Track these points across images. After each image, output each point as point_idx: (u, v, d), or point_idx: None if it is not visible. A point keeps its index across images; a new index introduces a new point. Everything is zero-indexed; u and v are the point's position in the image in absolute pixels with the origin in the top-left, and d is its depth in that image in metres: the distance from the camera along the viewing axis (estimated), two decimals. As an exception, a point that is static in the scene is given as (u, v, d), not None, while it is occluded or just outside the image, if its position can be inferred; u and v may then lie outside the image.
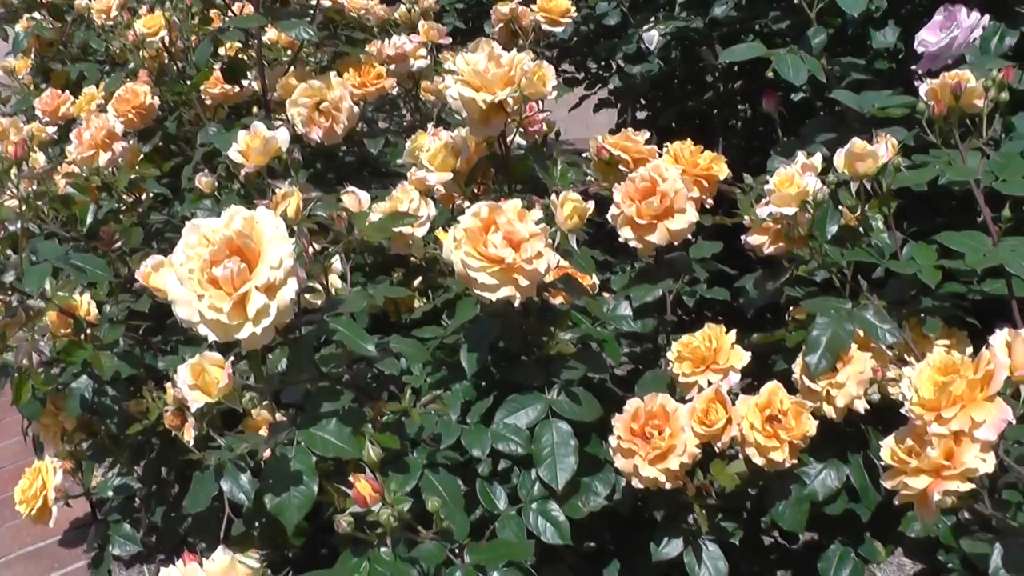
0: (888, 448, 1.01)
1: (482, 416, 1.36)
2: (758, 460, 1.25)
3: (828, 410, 1.30)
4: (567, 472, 1.30)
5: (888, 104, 1.64)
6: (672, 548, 1.33)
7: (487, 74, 1.32)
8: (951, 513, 1.29)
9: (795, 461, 1.26)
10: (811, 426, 1.26)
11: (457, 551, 1.20)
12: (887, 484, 1.00)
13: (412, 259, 1.72)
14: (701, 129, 2.60)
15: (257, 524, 1.56)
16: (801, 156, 1.41)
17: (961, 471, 0.94)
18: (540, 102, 1.68)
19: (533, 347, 1.37)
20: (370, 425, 1.28)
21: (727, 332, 1.34)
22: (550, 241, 1.24)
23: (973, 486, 0.95)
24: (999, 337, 1.00)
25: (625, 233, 1.38)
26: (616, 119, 2.87)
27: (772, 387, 1.27)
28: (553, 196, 1.29)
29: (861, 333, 1.33)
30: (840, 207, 1.44)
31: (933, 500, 0.95)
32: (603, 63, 2.84)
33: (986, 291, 1.54)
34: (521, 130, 1.46)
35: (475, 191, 1.48)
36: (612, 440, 1.27)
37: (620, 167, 1.46)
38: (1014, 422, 0.95)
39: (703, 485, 1.28)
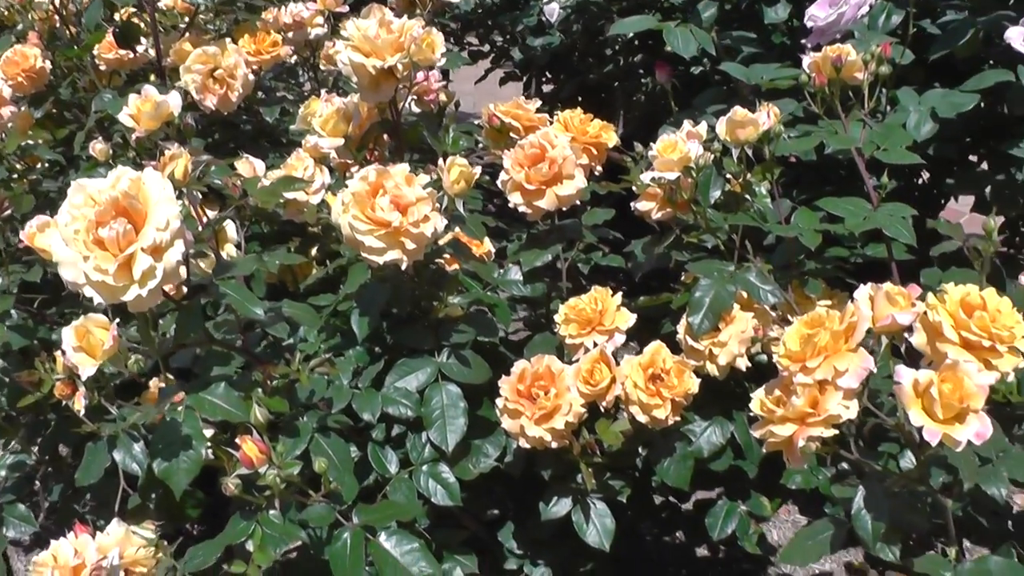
0: (758, 400, 1.04)
1: (373, 380, 1.37)
2: (642, 418, 1.28)
3: (711, 368, 1.33)
4: (457, 434, 1.32)
5: (776, 76, 1.69)
6: (561, 507, 1.35)
7: (377, 40, 1.33)
8: (822, 463, 1.35)
9: (678, 418, 1.30)
10: (693, 384, 1.29)
11: (346, 513, 1.21)
12: (756, 434, 1.04)
13: (310, 228, 1.72)
14: (605, 102, 2.63)
15: (153, 496, 1.55)
16: (687, 124, 1.44)
17: (825, 418, 0.98)
18: (441, 72, 1.69)
19: (424, 311, 1.38)
20: (260, 390, 1.28)
21: (613, 295, 1.37)
22: (438, 205, 1.25)
23: (837, 432, 0.99)
24: (862, 292, 1.04)
25: (514, 199, 1.40)
26: (522, 92, 2.89)
27: (655, 347, 1.30)
28: (440, 161, 1.30)
29: (745, 294, 1.37)
30: (727, 174, 1.48)
31: (798, 446, 0.98)
32: (508, 36, 2.86)
33: (868, 254, 1.60)
34: (414, 98, 1.47)
35: (368, 157, 1.48)
36: (499, 401, 1.29)
37: (511, 134, 1.48)
38: (875, 371, 0.99)
39: (588, 443, 1.30)
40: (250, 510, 1.18)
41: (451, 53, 1.86)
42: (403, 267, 1.24)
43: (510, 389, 1.29)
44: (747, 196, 1.43)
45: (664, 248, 1.46)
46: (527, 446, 1.28)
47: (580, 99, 2.81)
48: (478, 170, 1.31)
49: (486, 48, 2.94)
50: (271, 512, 1.17)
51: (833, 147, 1.58)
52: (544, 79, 2.90)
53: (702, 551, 2.12)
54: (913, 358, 1.07)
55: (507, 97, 2.44)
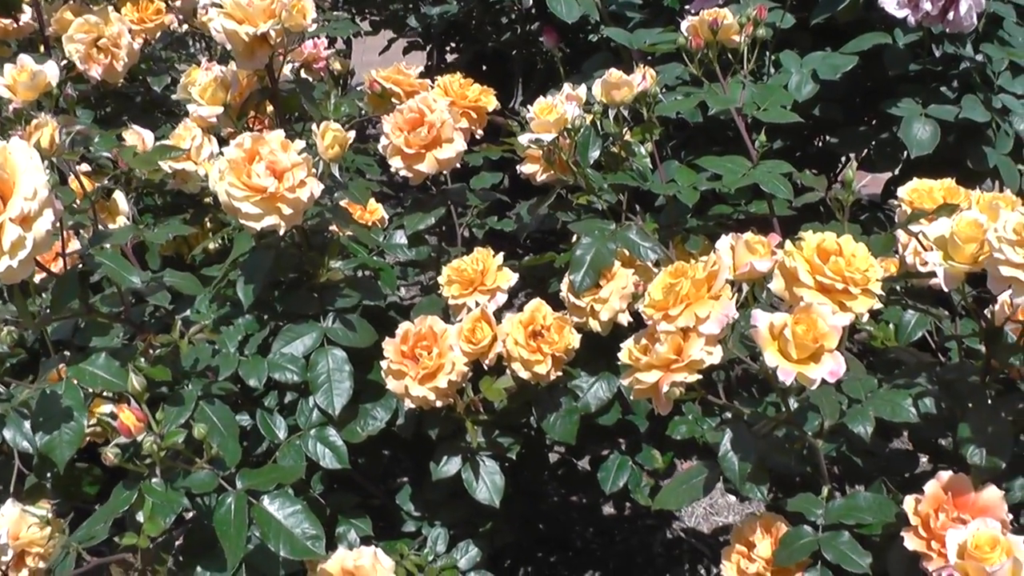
0: (626, 349, 1.07)
1: (260, 347, 1.37)
2: (524, 374, 1.30)
3: (594, 324, 1.36)
4: (343, 397, 1.33)
5: (657, 40, 1.72)
6: (451, 466, 1.37)
7: (249, 7, 1.32)
8: (707, 413, 1.39)
9: (560, 373, 1.32)
10: (573, 339, 1.32)
11: (231, 479, 1.21)
12: (623, 382, 1.07)
13: (205, 199, 1.71)
14: (507, 70, 2.64)
15: (49, 475, 1.53)
16: (567, 87, 1.46)
17: (687, 363, 1.00)
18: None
19: (311, 277, 1.39)
20: (143, 359, 1.28)
21: (495, 255, 1.39)
22: (314, 171, 1.26)
23: (700, 377, 1.01)
24: (723, 241, 1.07)
25: (395, 163, 1.41)
26: (426, 62, 2.89)
27: (535, 304, 1.32)
28: (314, 126, 1.30)
29: (627, 252, 1.39)
30: (611, 136, 1.50)
31: (663, 392, 1.01)
32: (410, 5, 2.85)
33: (751, 211, 1.64)
34: (294, 64, 1.47)
35: (251, 125, 1.48)
36: (383, 363, 1.30)
37: (393, 100, 1.49)
38: (736, 316, 1.02)
39: (472, 401, 1.32)
40: (133, 478, 1.18)
41: (343, 21, 1.86)
42: (281, 232, 1.24)
43: (394, 351, 1.30)
44: (627, 156, 1.46)
45: (547, 209, 1.47)
46: (412, 406, 1.30)
47: (484, 68, 2.82)
48: (352, 134, 1.31)
49: (384, 18, 2.92)
50: (153, 480, 1.17)
51: (714, 107, 1.61)
52: (448, 48, 2.91)
53: (608, 509, 2.17)
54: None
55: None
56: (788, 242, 1.04)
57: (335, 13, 1.87)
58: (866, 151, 1.98)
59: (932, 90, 1.83)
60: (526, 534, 2.04)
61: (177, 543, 1.37)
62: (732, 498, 2.35)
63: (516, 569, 2.02)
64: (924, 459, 1.44)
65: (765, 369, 1.04)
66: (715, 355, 1.02)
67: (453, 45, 2.90)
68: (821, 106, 1.92)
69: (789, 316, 0.97)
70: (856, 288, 1.00)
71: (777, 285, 1.03)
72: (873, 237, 1.13)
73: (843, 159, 2.27)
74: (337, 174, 1.30)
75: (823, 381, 0.96)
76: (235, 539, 1.14)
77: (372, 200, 1.65)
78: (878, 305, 1.03)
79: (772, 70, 1.88)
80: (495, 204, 1.76)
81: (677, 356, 1.02)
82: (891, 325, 1.49)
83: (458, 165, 1.43)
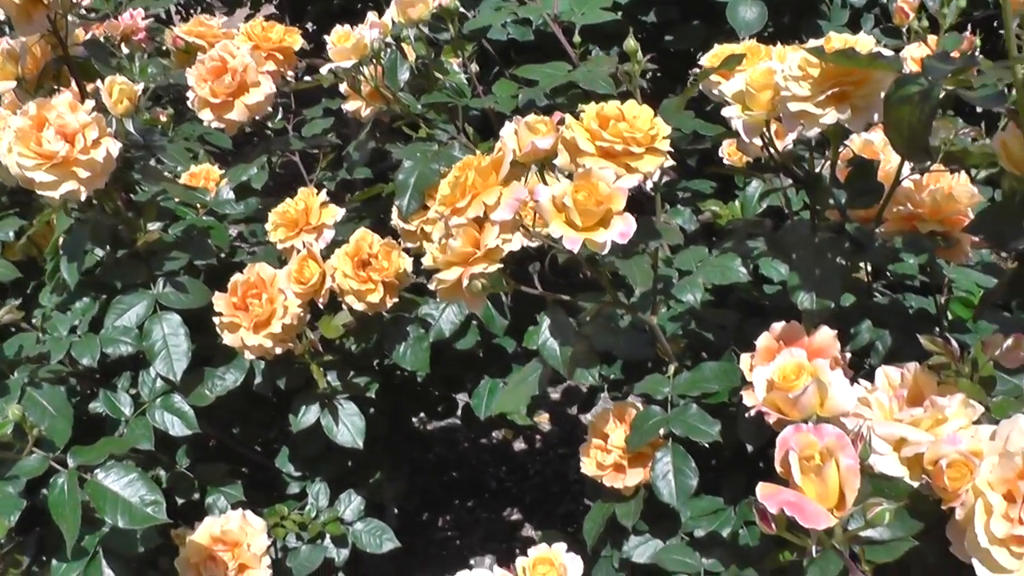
0: (429, 253, 1.04)
1: (92, 324, 1.33)
2: (358, 306, 1.27)
3: (429, 247, 1.33)
4: (183, 361, 1.29)
5: (475, -37, 1.69)
6: (310, 415, 1.34)
7: (13, -32, 1.27)
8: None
9: (396, 300, 1.29)
10: (404, 263, 1.29)
11: (64, 459, 1.16)
12: (431, 286, 1.04)
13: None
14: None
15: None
16: (371, 16, 1.43)
17: (485, 253, 0.98)
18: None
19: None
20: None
21: (318, 193, 1.36)
22: (109, 130, 1.21)
23: (500, 266, 0.99)
24: (508, 128, 1.04)
25: (205, 116, 1.37)
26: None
27: (360, 234, 1.29)
28: (98, 82, 1.26)
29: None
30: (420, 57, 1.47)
31: (465, 286, 0.98)
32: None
33: (586, 113, 1.62)
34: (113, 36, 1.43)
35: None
36: (216, 319, 1.27)
37: (199, 54, 1.45)
38: (528, 199, 1.00)
39: (311, 343, 1.29)
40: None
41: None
42: (82, 198, 1.20)
43: (225, 304, 1.26)
44: (441, 76, 1.43)
45: (372, 141, 1.44)
46: (251, 356, 1.27)
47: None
48: (140, 87, 1.27)
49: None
50: (-25, 475, 1.13)
51: (534, 19, 1.60)
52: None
53: (520, 444, 2.16)
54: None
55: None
56: (569, 116, 1.02)
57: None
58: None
59: (759, -27, 1.82)
60: (439, 483, 2.03)
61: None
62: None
63: (434, 520, 2.01)
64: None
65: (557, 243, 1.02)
66: (514, 242, 0.99)
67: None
68: (657, 9, 1.91)
69: (569, 184, 0.95)
70: (639, 147, 0.98)
71: (562, 160, 1.01)
72: (665, 101, 1.11)
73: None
74: (132, 129, 1.26)
75: (614, 244, 0.94)
76: (71, 519, 1.10)
77: (215, 168, 1.61)
78: (669, 162, 1.01)
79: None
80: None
81: (475, 248, 0.99)
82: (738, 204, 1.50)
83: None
